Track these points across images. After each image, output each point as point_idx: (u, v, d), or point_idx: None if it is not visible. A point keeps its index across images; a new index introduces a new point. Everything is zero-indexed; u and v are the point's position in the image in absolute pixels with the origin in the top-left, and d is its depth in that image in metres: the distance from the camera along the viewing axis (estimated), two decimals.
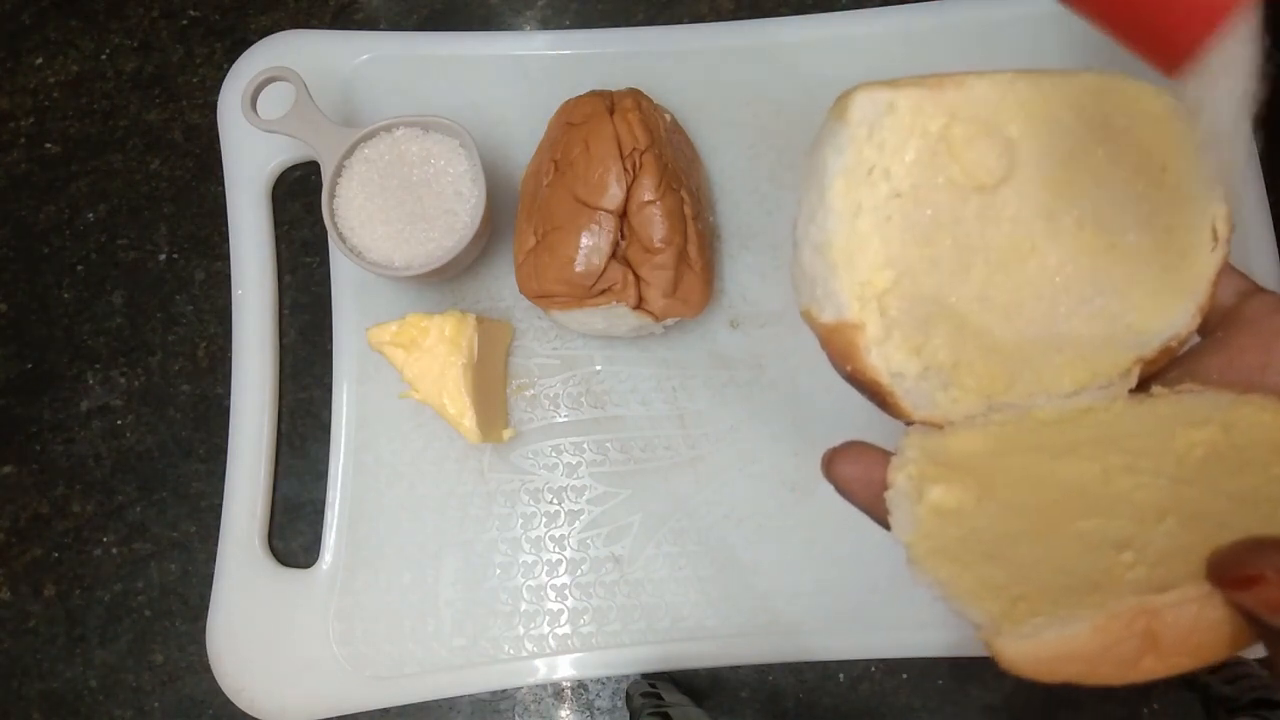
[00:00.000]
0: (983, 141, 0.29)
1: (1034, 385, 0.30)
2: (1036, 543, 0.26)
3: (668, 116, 0.56)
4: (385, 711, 0.57)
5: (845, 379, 0.31)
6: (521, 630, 0.56)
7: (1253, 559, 0.22)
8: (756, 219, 0.59)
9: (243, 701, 0.55)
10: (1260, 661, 0.51)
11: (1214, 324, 0.32)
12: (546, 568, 0.56)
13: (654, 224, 0.52)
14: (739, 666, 0.58)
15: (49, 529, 0.59)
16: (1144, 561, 0.24)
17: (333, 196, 0.54)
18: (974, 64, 0.31)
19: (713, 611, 0.56)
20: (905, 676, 0.58)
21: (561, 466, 0.58)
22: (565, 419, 0.58)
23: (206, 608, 0.57)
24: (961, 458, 0.29)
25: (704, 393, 0.58)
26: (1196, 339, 0.32)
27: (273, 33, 0.62)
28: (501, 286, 0.59)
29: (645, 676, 0.56)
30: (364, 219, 0.53)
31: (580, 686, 0.58)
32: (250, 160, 0.61)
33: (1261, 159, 0.58)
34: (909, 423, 0.31)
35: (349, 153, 0.54)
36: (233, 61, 0.62)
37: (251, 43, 0.62)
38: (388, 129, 0.54)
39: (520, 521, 0.57)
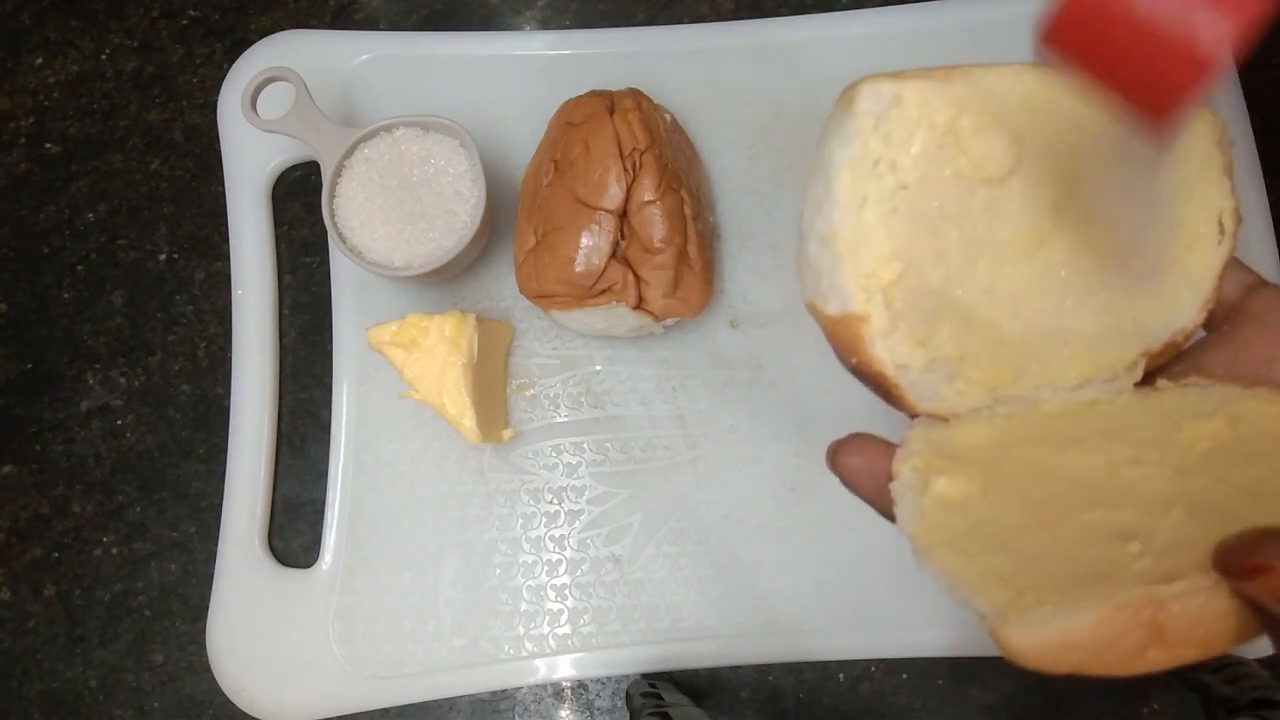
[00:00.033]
0: (990, 134, 0.29)
1: (1040, 378, 0.30)
2: (1042, 534, 0.26)
3: (668, 116, 0.56)
4: (385, 711, 0.57)
5: (850, 372, 0.31)
6: (521, 630, 0.56)
7: (1259, 549, 0.22)
8: (756, 219, 0.59)
9: (243, 701, 0.55)
10: (1263, 661, 0.51)
11: (1219, 318, 0.32)
12: (546, 568, 0.56)
13: (654, 224, 0.52)
14: (739, 666, 0.57)
15: (49, 529, 0.59)
16: (1150, 552, 0.24)
17: (333, 196, 0.54)
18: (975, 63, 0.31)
19: (713, 611, 0.56)
20: (905, 676, 0.57)
21: (561, 466, 0.57)
22: (565, 419, 0.58)
23: (206, 608, 0.56)
24: (967, 449, 0.29)
25: (704, 393, 0.58)
26: (1202, 333, 0.32)
27: (273, 33, 0.62)
28: (501, 286, 0.59)
29: (645, 676, 0.56)
30: (364, 219, 0.53)
31: (580, 686, 0.58)
32: (250, 160, 0.61)
33: (1261, 159, 0.58)
34: (914, 415, 0.31)
35: (349, 153, 0.54)
36: (233, 61, 0.62)
37: (251, 43, 0.62)
38: (388, 129, 0.54)
39: (520, 521, 0.57)
